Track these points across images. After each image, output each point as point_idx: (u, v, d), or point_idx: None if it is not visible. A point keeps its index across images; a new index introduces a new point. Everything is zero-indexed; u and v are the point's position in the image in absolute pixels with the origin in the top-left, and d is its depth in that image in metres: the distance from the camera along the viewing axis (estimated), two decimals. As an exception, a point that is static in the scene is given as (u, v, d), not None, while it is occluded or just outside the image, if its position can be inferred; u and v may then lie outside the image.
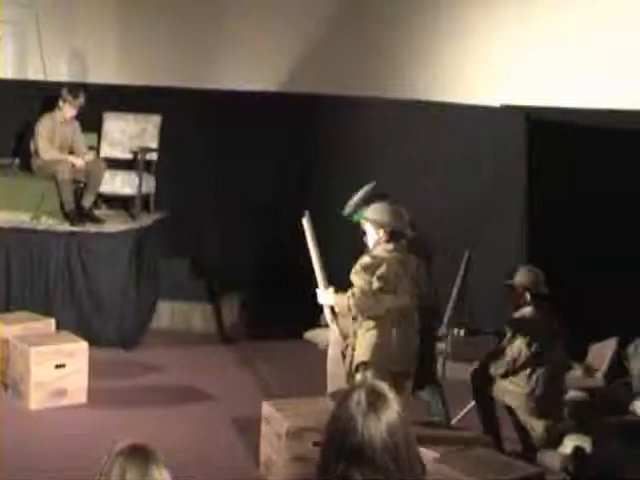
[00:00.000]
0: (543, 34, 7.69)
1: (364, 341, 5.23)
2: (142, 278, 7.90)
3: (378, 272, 5.17)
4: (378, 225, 5.28)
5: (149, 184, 8.62)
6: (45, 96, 8.50)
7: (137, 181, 8.37)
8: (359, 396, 2.16)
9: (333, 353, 5.52)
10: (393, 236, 5.27)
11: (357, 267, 5.22)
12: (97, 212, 8.30)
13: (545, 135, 7.41)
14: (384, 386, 2.22)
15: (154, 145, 8.67)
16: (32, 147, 8.24)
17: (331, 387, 5.47)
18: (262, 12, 9.44)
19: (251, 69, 9.46)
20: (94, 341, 6.83)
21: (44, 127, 8.13)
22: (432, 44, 8.43)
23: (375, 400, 2.16)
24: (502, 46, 7.91)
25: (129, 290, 7.73)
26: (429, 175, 7.96)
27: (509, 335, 5.73)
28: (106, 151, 8.73)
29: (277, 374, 7.14)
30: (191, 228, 8.51)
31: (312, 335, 7.77)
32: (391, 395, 2.19)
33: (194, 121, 8.67)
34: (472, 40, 8.14)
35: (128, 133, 8.76)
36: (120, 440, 4.80)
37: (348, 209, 5.73)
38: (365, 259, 5.24)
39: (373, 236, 5.32)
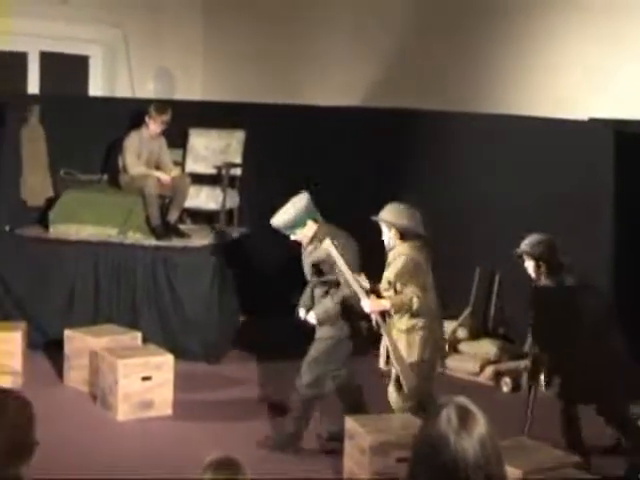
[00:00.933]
0: (636, 48, 7.57)
1: (413, 340, 5.47)
2: (226, 293, 7.98)
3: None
4: (390, 225, 5.55)
5: (233, 199, 8.73)
6: (133, 113, 8.67)
7: (221, 196, 8.49)
8: (449, 413, 2.17)
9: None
10: (405, 235, 5.51)
11: (400, 269, 5.41)
12: (182, 227, 8.43)
13: (635, 149, 7.26)
14: (470, 402, 2.23)
15: (238, 160, 8.78)
16: (120, 163, 8.42)
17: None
18: (348, 28, 9.50)
19: (336, 84, 9.52)
20: (179, 354, 6.92)
21: (131, 143, 8.29)
22: (522, 59, 8.37)
23: (465, 416, 2.18)
24: (593, 60, 7.80)
25: (213, 304, 7.81)
26: (517, 189, 7.89)
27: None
28: (191, 166, 8.87)
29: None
30: (275, 243, 8.54)
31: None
32: (478, 410, 2.21)
33: (278, 136, 8.77)
34: (563, 54, 8.06)
35: (212, 149, 8.88)
36: (207, 453, 4.87)
37: (279, 222, 5.90)
38: (402, 261, 5.43)
39: (387, 235, 5.60)
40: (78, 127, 8.80)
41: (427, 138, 8.62)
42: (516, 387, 7.24)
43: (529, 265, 5.67)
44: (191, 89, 10.08)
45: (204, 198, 8.61)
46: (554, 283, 5.61)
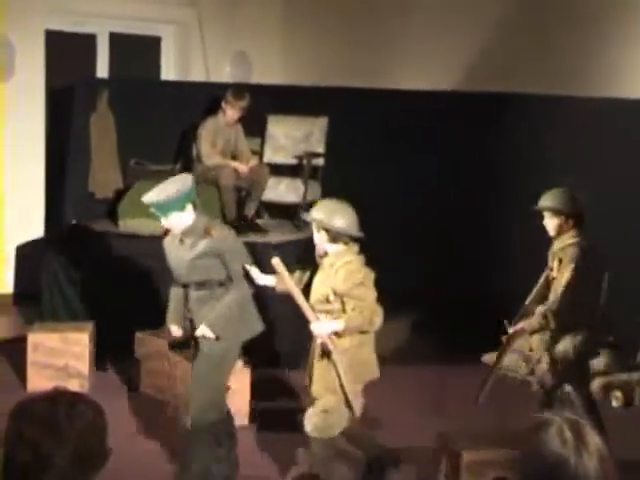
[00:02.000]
0: None
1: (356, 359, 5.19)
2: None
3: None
4: (320, 225, 5.15)
5: (315, 191, 8.71)
6: (208, 98, 8.73)
7: (302, 188, 8.49)
8: (561, 430, 2.18)
9: None
10: (336, 238, 5.13)
11: (349, 279, 5.03)
12: (260, 221, 8.46)
13: None
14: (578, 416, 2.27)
15: (320, 149, 8.77)
16: (194, 152, 8.49)
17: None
18: (435, 10, 9.42)
19: (424, 67, 9.45)
20: (258, 360, 6.93)
21: (207, 131, 8.35)
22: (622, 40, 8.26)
23: (580, 432, 2.20)
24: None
25: (292, 306, 7.78)
26: (616, 176, 7.79)
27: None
28: (270, 156, 8.89)
29: (456, 399, 7.03)
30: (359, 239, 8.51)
31: (490, 358, 7.63)
32: (587, 423, 2.24)
33: (364, 123, 8.72)
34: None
35: (293, 137, 8.89)
36: (284, 466, 4.85)
37: (154, 199, 5.38)
38: (350, 269, 5.06)
39: (317, 237, 5.20)
40: (149, 114, 8.90)
41: (518, 122, 8.51)
42: (628, 401, 7.09)
43: (551, 223, 5.72)
44: (270, 72, 10.10)
45: (283, 190, 8.62)
46: (584, 240, 5.68)
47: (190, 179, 5.50)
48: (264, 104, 8.65)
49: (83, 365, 6.99)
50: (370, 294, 5.13)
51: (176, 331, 5.53)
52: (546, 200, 5.77)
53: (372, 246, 8.36)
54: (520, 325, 5.76)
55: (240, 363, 6.55)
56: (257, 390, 6.69)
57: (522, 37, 8.99)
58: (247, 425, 6.48)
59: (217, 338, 5.29)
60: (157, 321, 7.63)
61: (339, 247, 5.13)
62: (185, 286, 5.43)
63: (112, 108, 8.73)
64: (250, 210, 8.34)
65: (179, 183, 5.39)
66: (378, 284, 5.25)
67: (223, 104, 8.35)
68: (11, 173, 8.94)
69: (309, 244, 8.19)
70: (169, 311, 5.58)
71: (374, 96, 8.83)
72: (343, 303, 5.07)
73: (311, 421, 5.21)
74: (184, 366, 6.47)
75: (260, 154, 8.89)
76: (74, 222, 8.60)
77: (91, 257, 8.07)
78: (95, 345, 7.27)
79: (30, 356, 6.93)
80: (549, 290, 5.72)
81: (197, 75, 10.05)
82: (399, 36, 9.79)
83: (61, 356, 6.96)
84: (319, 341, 5.17)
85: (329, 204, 5.27)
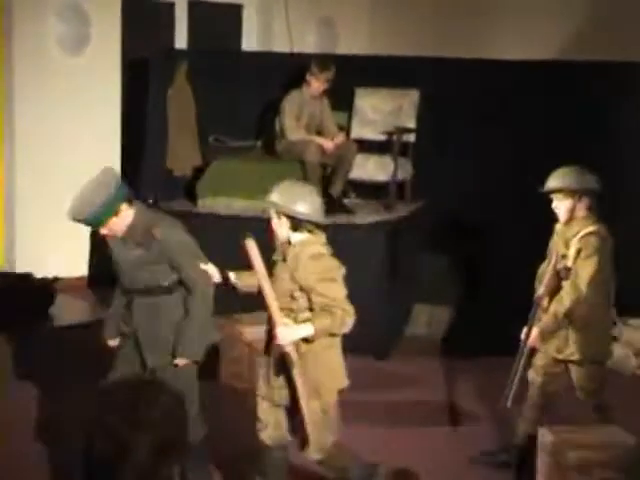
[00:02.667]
0: None
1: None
2: (396, 277, 7.88)
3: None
4: (280, 211, 4.72)
5: (406, 169, 8.61)
6: (291, 70, 8.68)
7: (392, 166, 8.38)
8: None
9: None
10: (299, 226, 4.68)
11: (324, 274, 4.60)
12: (346, 201, 8.39)
13: None
14: None
15: (411, 125, 8.65)
16: (277, 127, 8.45)
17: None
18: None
19: (525, 36, 9.28)
20: (343, 348, 6.87)
21: (290, 104, 8.30)
22: None
23: None
24: None
25: (382, 290, 7.72)
26: None
27: None
28: (357, 132, 8.81)
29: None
30: (453, 220, 8.41)
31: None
32: None
33: (458, 96, 8.56)
34: None
35: (382, 111, 8.79)
36: (376, 460, 4.80)
37: (80, 215, 4.76)
38: (319, 260, 4.63)
39: (277, 225, 4.77)
40: (229, 86, 8.89)
41: (625, 91, 8.29)
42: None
43: (563, 206, 5.32)
44: (357, 42, 10.03)
45: (372, 168, 8.53)
46: (603, 227, 5.36)
47: (111, 175, 4.90)
48: (351, 76, 8.56)
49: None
50: (341, 291, 4.65)
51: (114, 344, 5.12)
52: (555, 180, 5.36)
53: (467, 224, 8.33)
54: (535, 332, 5.32)
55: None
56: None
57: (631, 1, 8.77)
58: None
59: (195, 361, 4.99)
60: (238, 306, 7.66)
61: (303, 236, 4.70)
62: (128, 292, 5.00)
63: (190, 81, 8.73)
64: (336, 189, 8.27)
65: (101, 190, 4.75)
66: (484, 265, 5.15)
67: (307, 76, 8.29)
68: (86, 150, 9.01)
69: (400, 225, 8.16)
70: (105, 323, 5.21)
71: (469, 67, 8.66)
72: (310, 300, 4.61)
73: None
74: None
75: (347, 129, 8.82)
76: (151, 201, 8.62)
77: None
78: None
79: (106, 341, 6.96)
80: (559, 282, 5.31)
81: (280, 45, 10.01)
82: (496, 2, 9.63)
83: (138, 341, 6.97)
84: (281, 349, 4.66)
85: (291, 187, 4.84)
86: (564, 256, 5.28)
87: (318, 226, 4.76)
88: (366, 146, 8.60)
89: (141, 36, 9.40)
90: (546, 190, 5.39)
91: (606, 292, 5.38)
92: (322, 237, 4.77)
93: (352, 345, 7.37)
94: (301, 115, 8.36)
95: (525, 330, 5.36)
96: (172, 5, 9.83)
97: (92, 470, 2.47)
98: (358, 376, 7.05)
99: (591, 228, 5.27)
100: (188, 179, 8.74)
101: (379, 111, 8.79)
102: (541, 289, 5.34)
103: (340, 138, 8.39)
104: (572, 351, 5.35)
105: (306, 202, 4.70)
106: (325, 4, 10.16)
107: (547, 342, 5.39)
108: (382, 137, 8.68)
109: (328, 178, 8.35)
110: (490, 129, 8.47)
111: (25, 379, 6.74)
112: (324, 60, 8.38)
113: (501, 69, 8.60)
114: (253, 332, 6.84)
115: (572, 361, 5.39)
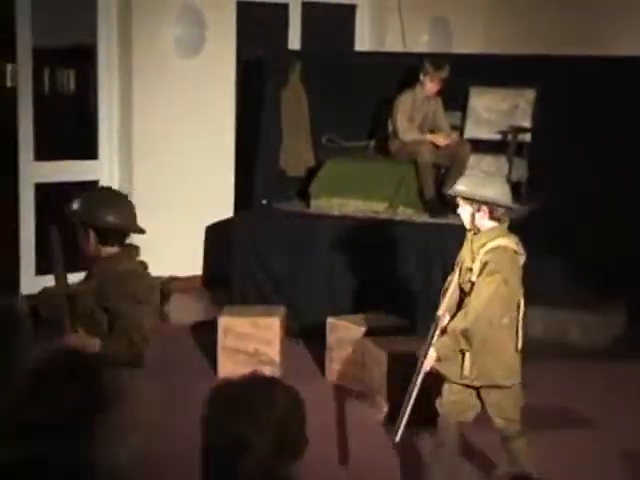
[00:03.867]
0: None
1: None
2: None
3: None
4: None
5: (521, 170, 8.54)
6: (404, 69, 8.69)
7: (507, 166, 8.32)
8: None
9: None
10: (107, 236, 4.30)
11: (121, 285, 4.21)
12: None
13: None
14: None
15: (527, 124, 8.58)
16: (390, 127, 8.47)
17: None
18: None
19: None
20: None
21: (404, 104, 8.31)
22: None
23: None
24: None
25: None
26: None
27: None
28: (471, 131, 8.77)
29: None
30: (570, 222, 8.29)
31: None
32: None
33: (577, 95, 8.45)
34: None
35: (497, 110, 8.73)
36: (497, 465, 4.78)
37: None
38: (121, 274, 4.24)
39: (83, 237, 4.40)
40: (342, 87, 8.95)
41: None
42: None
43: (465, 212, 4.86)
44: (471, 41, 9.98)
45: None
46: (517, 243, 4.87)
47: None
48: (465, 75, 8.51)
49: (274, 351, 7.09)
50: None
51: None
52: (458, 184, 4.94)
53: (584, 225, 8.22)
54: (431, 354, 4.74)
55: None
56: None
57: None
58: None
59: None
60: (351, 307, 7.72)
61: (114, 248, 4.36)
62: None
63: (304, 81, 8.82)
64: (450, 189, 8.24)
65: None
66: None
67: (421, 76, 8.29)
68: (201, 150, 9.18)
69: (515, 227, 8.07)
70: None
71: (588, 65, 8.52)
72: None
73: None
74: (378, 354, 6.48)
75: (461, 129, 8.78)
76: (264, 202, 8.75)
77: (282, 239, 8.18)
78: (286, 331, 7.37)
79: (220, 341, 7.08)
80: (464, 295, 4.80)
81: (393, 44, 10.02)
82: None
83: (251, 341, 7.08)
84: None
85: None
86: (470, 269, 4.77)
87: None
88: (480, 146, 8.55)
89: (255, 37, 9.53)
90: (447, 193, 5.04)
91: (510, 311, 4.78)
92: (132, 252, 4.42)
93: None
94: (414, 115, 8.36)
95: (422, 351, 4.82)
96: (286, 6, 9.93)
97: (212, 468, 2.53)
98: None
99: (498, 241, 4.75)
100: (301, 180, 8.82)
101: (494, 111, 8.73)
102: (442, 306, 4.83)
103: (454, 138, 8.37)
104: (475, 375, 4.77)
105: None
106: (439, 3, 10.13)
107: (446, 365, 4.80)
108: (497, 137, 8.62)
109: (442, 178, 8.33)
110: (607, 128, 8.34)
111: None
112: (438, 60, 8.35)
113: (618, 66, 8.45)
114: (361, 332, 6.89)
115: (476, 386, 4.83)
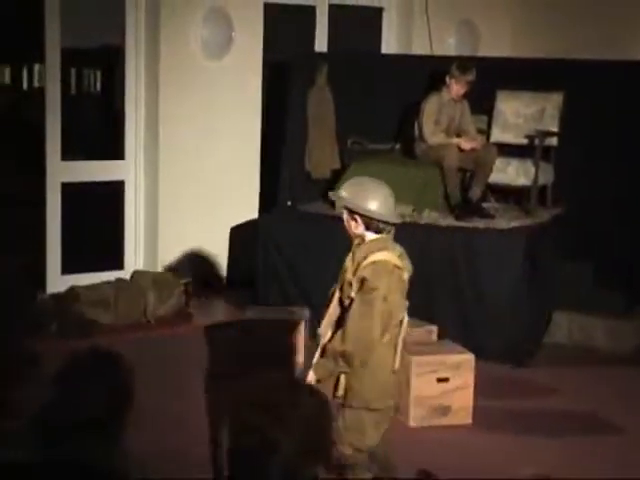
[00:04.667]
0: None
1: None
2: (536, 284, 7.81)
3: None
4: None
5: (547, 174, 8.52)
6: (430, 72, 8.70)
7: (533, 170, 8.31)
8: None
9: None
10: None
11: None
12: (486, 205, 8.35)
13: None
14: None
15: (554, 128, 8.55)
16: (416, 130, 8.47)
17: None
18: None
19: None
20: (479, 354, 6.85)
21: (430, 107, 8.31)
22: None
23: None
24: None
25: (520, 297, 7.65)
26: None
27: None
28: (498, 135, 8.75)
29: None
30: (596, 227, 8.28)
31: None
32: None
33: (604, 99, 8.43)
34: None
35: (524, 114, 8.71)
36: (513, 472, 4.77)
37: None
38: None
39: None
40: (368, 89, 8.97)
41: None
42: None
43: (345, 219, 4.45)
44: (498, 44, 9.97)
45: (512, 172, 8.46)
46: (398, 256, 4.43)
47: None
48: (492, 78, 8.50)
49: (299, 355, 7.09)
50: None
51: None
52: (344, 187, 4.46)
53: (611, 229, 8.20)
54: (310, 374, 4.26)
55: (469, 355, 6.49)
56: (483, 386, 6.62)
57: None
58: (470, 424, 6.42)
59: None
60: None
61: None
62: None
63: (330, 84, 8.84)
64: (475, 193, 8.24)
65: None
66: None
67: (448, 79, 8.29)
68: (227, 152, 9.21)
69: (540, 231, 8.07)
70: None
71: (616, 69, 8.49)
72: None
73: None
74: (404, 361, 6.46)
75: (487, 133, 8.77)
76: (289, 204, 8.77)
77: (306, 241, 8.20)
78: (310, 334, 7.37)
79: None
80: (344, 310, 4.37)
81: (419, 47, 10.03)
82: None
83: (275, 343, 7.10)
84: None
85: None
86: (350, 284, 4.36)
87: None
88: (507, 150, 8.53)
89: (282, 39, 9.56)
90: (329, 195, 4.64)
91: (390, 328, 4.33)
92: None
93: (491, 351, 7.40)
94: (440, 118, 8.36)
95: (304, 372, 4.53)
96: (313, 8, 9.96)
97: (238, 467, 2.55)
98: (497, 382, 7.07)
99: (378, 255, 4.32)
100: (326, 182, 8.84)
101: (521, 114, 8.71)
102: (323, 322, 4.46)
103: (480, 142, 8.36)
104: (349, 396, 4.31)
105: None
106: (466, 6, 10.13)
107: (324, 384, 4.31)
108: (523, 141, 8.59)
109: (468, 182, 8.33)
110: (635, 132, 8.31)
111: (160, 381, 6.84)
112: (465, 63, 8.35)
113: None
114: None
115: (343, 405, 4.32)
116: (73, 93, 10.58)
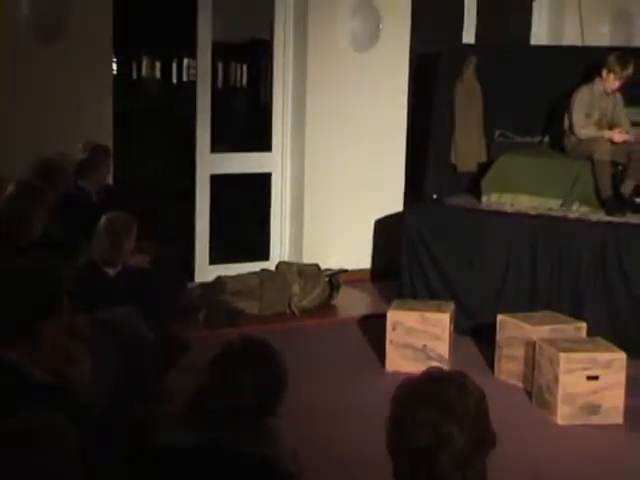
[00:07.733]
0: None
1: None
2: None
3: None
4: None
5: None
6: (582, 64, 8.51)
7: (688, 164, 8.06)
8: None
9: None
10: None
11: None
12: (638, 200, 8.14)
13: None
14: None
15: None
16: (566, 123, 8.31)
17: None
18: None
19: None
20: (631, 352, 6.68)
21: (581, 100, 8.15)
22: None
23: None
24: None
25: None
26: None
27: None
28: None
29: None
30: None
31: None
32: None
33: None
34: None
35: (680, 106, 8.46)
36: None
37: None
38: None
39: None
40: (517, 81, 8.84)
41: None
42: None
43: None
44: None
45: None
46: None
47: None
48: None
49: (443, 347, 7.07)
50: None
51: None
52: None
53: None
54: None
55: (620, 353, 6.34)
56: (633, 385, 6.45)
57: None
58: (621, 424, 6.27)
59: None
60: (519, 303, 7.62)
61: None
62: None
63: (479, 76, 8.75)
64: (627, 188, 8.04)
65: None
66: None
67: (604, 72, 8.09)
68: (373, 145, 9.23)
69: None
70: None
71: None
72: None
73: None
74: (551, 355, 6.37)
75: (642, 125, 8.55)
76: (435, 197, 8.73)
77: (452, 234, 8.15)
78: (455, 327, 7.34)
79: (389, 335, 7.11)
80: None
81: (570, 38, 9.83)
82: None
83: (420, 336, 7.08)
84: None
85: None
86: None
87: None
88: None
89: (430, 31, 9.52)
90: None
91: None
92: None
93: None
94: (592, 111, 8.18)
95: None
96: (462, 0, 9.89)
97: (408, 464, 2.53)
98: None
99: None
100: (472, 175, 8.77)
101: (677, 106, 8.46)
102: None
103: (632, 134, 8.15)
104: None
105: None
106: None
107: None
108: (679, 134, 8.34)
109: (619, 176, 8.13)
110: None
111: (306, 373, 6.84)
112: (626, 57, 8.09)
113: None
114: (535, 331, 6.80)
115: None
116: (221, 87, 10.77)
